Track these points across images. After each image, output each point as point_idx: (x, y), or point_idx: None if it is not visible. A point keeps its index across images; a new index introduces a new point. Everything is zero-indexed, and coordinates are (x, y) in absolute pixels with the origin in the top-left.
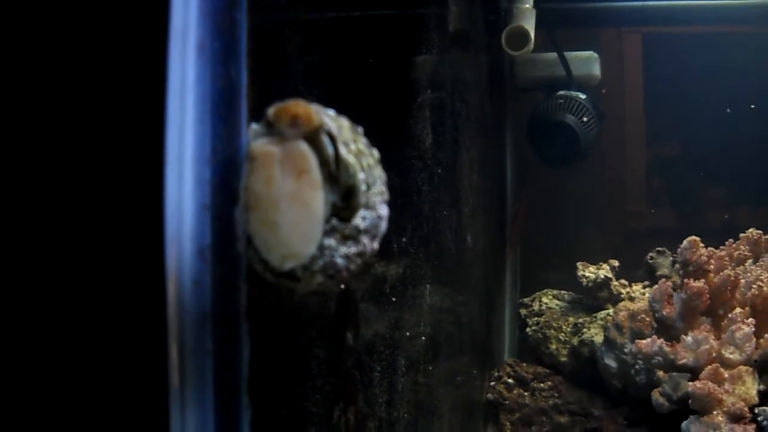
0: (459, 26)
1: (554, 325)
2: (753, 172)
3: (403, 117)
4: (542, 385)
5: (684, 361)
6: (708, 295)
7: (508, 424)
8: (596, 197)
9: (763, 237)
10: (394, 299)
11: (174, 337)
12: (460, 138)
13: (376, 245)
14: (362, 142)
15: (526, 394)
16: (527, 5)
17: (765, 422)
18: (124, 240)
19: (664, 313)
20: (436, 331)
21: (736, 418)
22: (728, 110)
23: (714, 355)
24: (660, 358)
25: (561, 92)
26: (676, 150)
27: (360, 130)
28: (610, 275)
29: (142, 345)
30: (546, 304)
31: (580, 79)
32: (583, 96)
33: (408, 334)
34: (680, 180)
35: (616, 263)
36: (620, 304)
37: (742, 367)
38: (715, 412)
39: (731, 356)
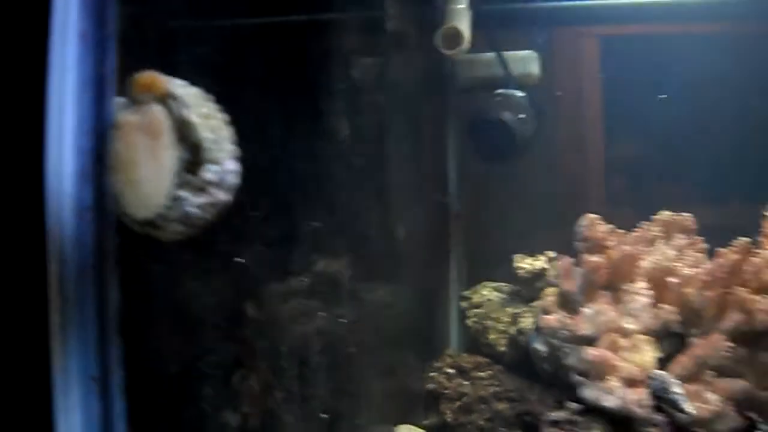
0: (393, 27)
1: (493, 316)
2: (710, 171)
3: (313, 108)
4: (482, 374)
5: (584, 332)
6: (606, 270)
7: (448, 412)
8: (553, 196)
9: (676, 218)
10: (304, 279)
11: (55, 285)
12: (386, 134)
13: (227, 197)
14: (211, 108)
15: (466, 383)
16: (462, 5)
17: (657, 384)
18: (9, 204)
19: (565, 287)
20: (355, 317)
21: (630, 382)
22: (663, 96)
23: (612, 325)
24: (564, 332)
25: (499, 90)
26: (633, 150)
27: (212, 97)
28: (546, 266)
29: (28, 294)
30: (485, 296)
31: (519, 77)
32: (521, 94)
33: (322, 315)
34: (638, 179)
35: (552, 254)
36: (547, 289)
37: (640, 336)
38: (609, 378)
39: (629, 326)
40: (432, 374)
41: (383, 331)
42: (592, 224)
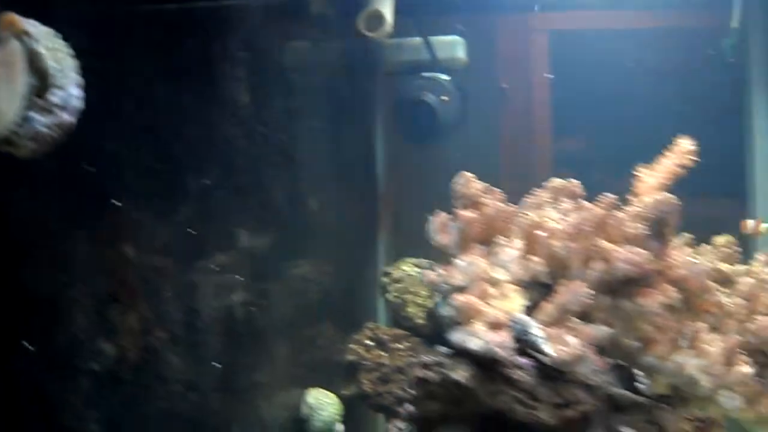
0: (313, 8)
1: (411, 290)
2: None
3: (205, 73)
4: (400, 345)
5: (457, 282)
6: (479, 224)
7: (366, 382)
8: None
9: (566, 184)
10: (193, 233)
11: None
12: (300, 109)
13: (71, 118)
14: (59, 43)
15: (384, 354)
16: None
17: (518, 327)
18: None
19: (441, 241)
20: (254, 278)
21: (494, 326)
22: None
23: (483, 275)
24: (443, 285)
25: (424, 74)
26: (581, 144)
27: (59, 35)
28: None
29: None
30: (405, 271)
31: (445, 62)
32: (445, 77)
33: (215, 270)
34: (585, 173)
35: None
36: None
37: (510, 286)
38: (475, 323)
39: (499, 276)
40: (352, 346)
41: (291, 298)
42: (468, 182)
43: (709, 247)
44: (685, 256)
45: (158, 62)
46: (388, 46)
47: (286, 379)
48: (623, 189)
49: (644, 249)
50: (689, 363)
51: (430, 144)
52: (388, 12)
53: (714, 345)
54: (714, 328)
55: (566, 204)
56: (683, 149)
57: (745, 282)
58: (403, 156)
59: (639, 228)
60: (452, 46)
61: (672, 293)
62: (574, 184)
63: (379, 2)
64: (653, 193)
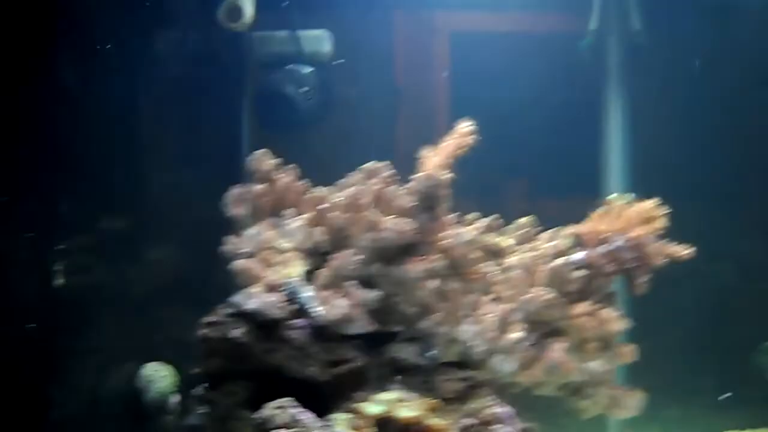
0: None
1: None
2: (552, 164)
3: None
4: None
5: (244, 249)
6: (270, 198)
7: (218, 360)
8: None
9: (376, 167)
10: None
11: None
12: (150, 97)
13: None
14: None
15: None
16: None
17: (289, 289)
18: None
19: (234, 212)
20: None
21: (270, 289)
22: None
23: (269, 243)
24: (236, 254)
25: (288, 66)
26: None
27: None
28: None
29: None
30: None
31: (310, 54)
32: (308, 69)
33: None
34: (481, 173)
35: None
36: None
37: (292, 253)
38: (255, 285)
39: (283, 244)
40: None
41: (142, 278)
42: (260, 158)
43: (512, 227)
44: (452, 229)
45: None
46: (257, 38)
47: (127, 354)
48: (517, 188)
49: (413, 221)
50: (465, 329)
51: (290, 133)
52: (248, 4)
53: (490, 314)
54: (496, 299)
55: (372, 184)
56: (463, 131)
57: (525, 256)
58: (272, 145)
59: (409, 202)
60: (318, 39)
61: (437, 261)
62: (383, 166)
63: None
64: (435, 171)
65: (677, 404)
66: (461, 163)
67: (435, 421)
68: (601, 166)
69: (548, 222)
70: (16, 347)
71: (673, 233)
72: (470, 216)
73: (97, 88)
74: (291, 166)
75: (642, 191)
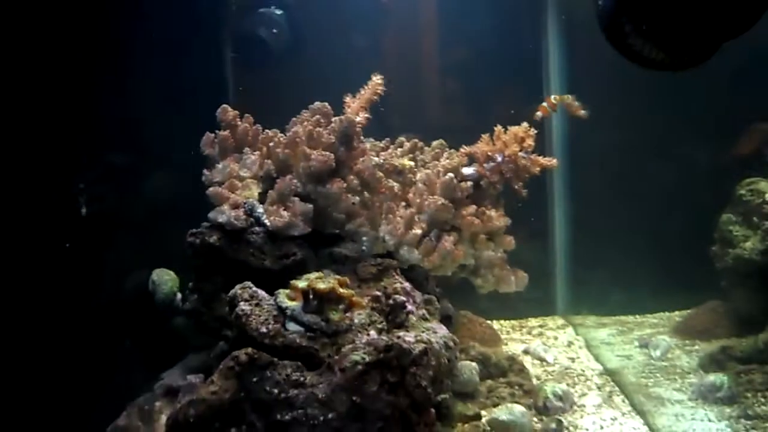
0: None
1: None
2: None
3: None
4: None
5: (216, 179)
6: (232, 140)
7: (200, 259)
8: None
9: (322, 107)
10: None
11: None
12: (137, 42)
13: None
14: None
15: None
16: None
17: (247, 206)
18: None
19: (207, 152)
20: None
21: (234, 207)
22: None
23: (233, 174)
24: (211, 183)
25: (261, 9)
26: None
27: None
28: None
29: None
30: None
31: None
32: (279, 12)
33: None
34: (473, 81)
35: None
36: None
37: (250, 180)
38: (223, 204)
39: (243, 174)
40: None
41: (143, 202)
42: (225, 110)
43: (427, 149)
44: (363, 156)
45: None
46: None
47: (139, 264)
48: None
49: (333, 152)
50: (380, 229)
51: (266, 69)
52: None
53: (399, 216)
54: (406, 206)
55: (314, 121)
56: (376, 83)
57: (427, 172)
58: (250, 81)
59: (331, 138)
60: None
61: (351, 180)
62: (325, 106)
63: None
64: (354, 113)
65: (622, 292)
66: None
67: (343, 291)
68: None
69: None
70: (58, 262)
71: None
72: (400, 139)
73: (89, 43)
74: (247, 115)
75: None
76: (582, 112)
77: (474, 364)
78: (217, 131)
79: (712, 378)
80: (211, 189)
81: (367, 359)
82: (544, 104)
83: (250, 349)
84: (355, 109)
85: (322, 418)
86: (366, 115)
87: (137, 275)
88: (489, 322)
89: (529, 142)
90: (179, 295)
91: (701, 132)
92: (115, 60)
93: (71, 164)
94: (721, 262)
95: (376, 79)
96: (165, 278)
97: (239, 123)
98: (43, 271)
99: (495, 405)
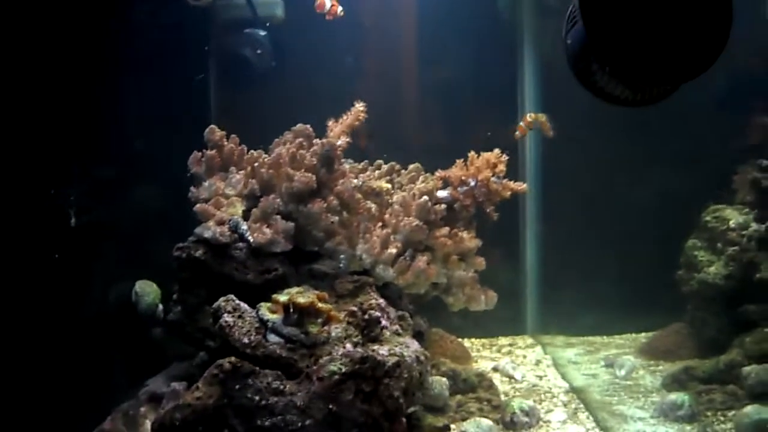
0: None
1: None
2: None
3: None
4: None
5: (202, 196)
6: (218, 159)
7: (186, 272)
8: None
9: (304, 129)
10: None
11: None
12: (127, 67)
13: None
14: None
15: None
16: None
17: (232, 223)
18: None
19: (194, 170)
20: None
21: (220, 223)
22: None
23: (219, 192)
24: (198, 199)
25: (246, 30)
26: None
27: None
28: None
29: None
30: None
31: (265, 19)
32: (262, 33)
33: None
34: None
35: None
36: None
37: (235, 198)
38: (209, 221)
39: (228, 192)
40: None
41: (130, 216)
42: (212, 131)
43: (404, 171)
44: (343, 178)
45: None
46: (219, 6)
47: (122, 275)
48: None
49: (314, 173)
50: (357, 247)
51: (250, 88)
52: None
53: (376, 236)
54: (382, 226)
55: (296, 143)
56: (357, 111)
57: (403, 194)
58: (234, 100)
59: (313, 160)
60: (271, 6)
61: (331, 200)
62: (306, 127)
63: None
64: (336, 136)
65: (590, 313)
66: None
67: (322, 306)
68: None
69: None
70: (47, 273)
71: None
72: (378, 162)
73: (86, 68)
74: (233, 136)
75: None
76: (550, 133)
77: (444, 379)
78: (203, 150)
79: (674, 397)
80: (198, 206)
81: (344, 369)
82: (522, 124)
83: (233, 358)
84: (337, 133)
85: (300, 424)
86: (347, 140)
87: (121, 286)
88: (460, 340)
89: (501, 167)
90: (161, 307)
91: (670, 157)
92: (103, 77)
93: (62, 176)
94: (686, 286)
95: (359, 106)
96: (147, 290)
97: (225, 143)
98: (33, 280)
99: (464, 419)
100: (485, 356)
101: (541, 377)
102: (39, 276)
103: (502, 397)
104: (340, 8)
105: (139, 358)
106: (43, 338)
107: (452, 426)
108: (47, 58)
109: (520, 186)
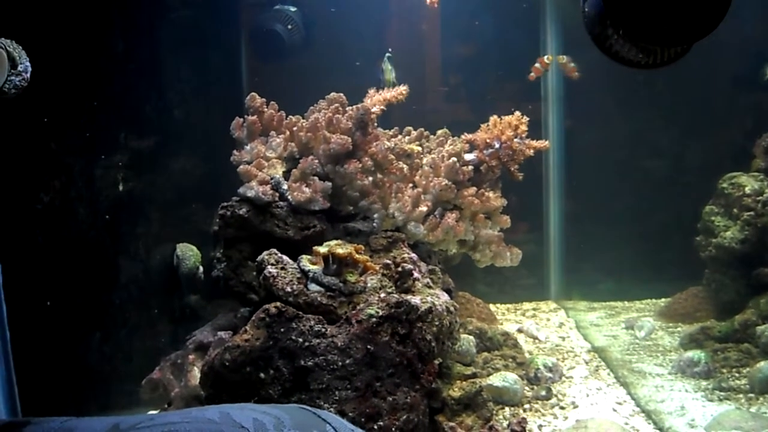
0: None
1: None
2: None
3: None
4: None
5: (244, 159)
6: (259, 124)
7: (230, 229)
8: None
9: (337, 97)
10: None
11: None
12: (164, 42)
13: (28, 77)
14: (14, 43)
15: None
16: None
17: (274, 183)
18: None
19: (236, 135)
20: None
21: (262, 183)
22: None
23: (260, 154)
24: (240, 162)
25: (276, 6)
26: (471, 50)
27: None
28: None
29: None
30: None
31: None
32: (293, 9)
33: None
34: (473, 76)
35: None
36: None
37: (275, 161)
38: (251, 181)
39: (269, 154)
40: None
41: (169, 184)
42: (253, 98)
43: (433, 137)
44: (377, 140)
45: (51, 29)
46: None
47: (163, 238)
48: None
49: (350, 136)
50: (389, 206)
51: (281, 62)
52: None
53: (408, 196)
54: (413, 186)
55: (331, 109)
56: (400, 90)
57: (432, 156)
58: (265, 71)
59: (348, 124)
60: None
61: (365, 161)
62: (341, 95)
63: None
64: (372, 104)
65: (612, 279)
66: None
67: (359, 257)
68: None
69: None
70: (99, 232)
71: None
72: (408, 128)
73: (131, 47)
74: (272, 102)
75: None
76: (576, 74)
77: (471, 337)
78: (241, 117)
79: (690, 354)
80: (241, 167)
81: (381, 313)
82: (537, 65)
83: (279, 303)
84: (374, 101)
85: (340, 364)
86: (382, 107)
87: (162, 248)
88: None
89: (523, 128)
90: (201, 269)
91: (689, 129)
92: (144, 55)
93: (111, 145)
94: (704, 252)
95: (402, 88)
96: (188, 253)
97: (266, 109)
98: (88, 240)
99: (489, 375)
100: (510, 319)
101: (563, 338)
102: (93, 235)
103: (527, 355)
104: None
105: (180, 318)
106: (94, 292)
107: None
108: (98, 43)
109: (542, 143)
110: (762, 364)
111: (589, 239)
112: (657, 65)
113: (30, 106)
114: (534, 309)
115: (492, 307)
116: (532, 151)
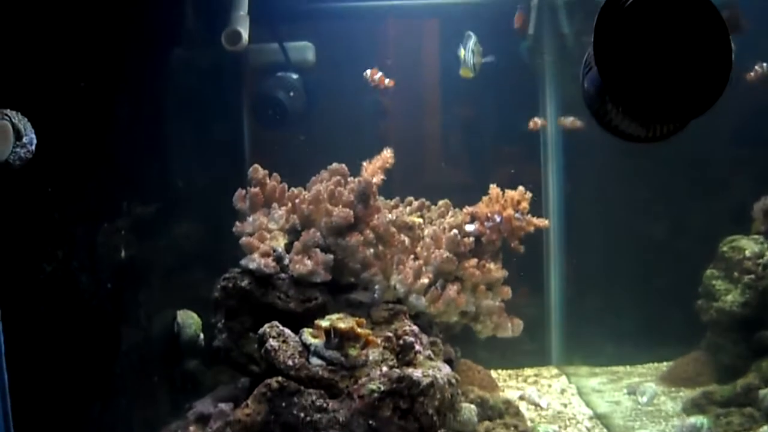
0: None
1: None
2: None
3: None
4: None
5: (246, 230)
6: (261, 196)
7: (231, 301)
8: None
9: (337, 167)
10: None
11: None
12: (169, 108)
13: (33, 148)
14: (19, 115)
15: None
16: (243, 13)
17: (276, 255)
18: None
19: (239, 206)
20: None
21: (264, 255)
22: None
23: (262, 226)
24: (243, 233)
25: (278, 73)
26: (470, 112)
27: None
28: None
29: None
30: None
31: (297, 63)
32: (295, 76)
33: None
34: (472, 140)
35: None
36: None
37: (277, 232)
38: (254, 254)
39: (271, 226)
40: (223, 278)
41: (169, 251)
42: (256, 170)
43: (434, 207)
44: (378, 213)
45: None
46: (252, 51)
47: (164, 306)
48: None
49: (352, 209)
50: (391, 278)
51: (283, 129)
52: (244, 31)
53: (409, 268)
54: (414, 258)
55: (333, 180)
56: (386, 156)
57: (433, 228)
58: (266, 137)
59: (350, 197)
60: (303, 50)
61: (367, 234)
62: (342, 166)
63: (237, 23)
64: (371, 175)
65: (613, 344)
66: None
67: (361, 331)
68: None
69: None
70: (101, 300)
71: None
72: (408, 199)
73: (135, 111)
74: (274, 174)
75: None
76: (579, 124)
77: (473, 406)
78: (246, 188)
79: (693, 420)
80: (243, 239)
81: (382, 388)
82: (537, 119)
83: (280, 378)
84: (371, 171)
85: None
86: (381, 177)
87: (163, 315)
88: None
89: (524, 204)
90: (201, 336)
91: (689, 190)
92: (148, 123)
93: (114, 212)
94: (705, 315)
95: (388, 152)
96: (189, 321)
97: (268, 181)
98: (90, 307)
99: None
100: (511, 386)
101: (565, 405)
102: (96, 304)
103: (529, 423)
104: (387, 80)
105: (180, 386)
106: (96, 361)
107: None
108: (103, 111)
109: (542, 222)
110: (765, 428)
111: (590, 302)
112: (656, 139)
113: (34, 175)
114: (535, 375)
115: (493, 373)
116: (532, 227)
